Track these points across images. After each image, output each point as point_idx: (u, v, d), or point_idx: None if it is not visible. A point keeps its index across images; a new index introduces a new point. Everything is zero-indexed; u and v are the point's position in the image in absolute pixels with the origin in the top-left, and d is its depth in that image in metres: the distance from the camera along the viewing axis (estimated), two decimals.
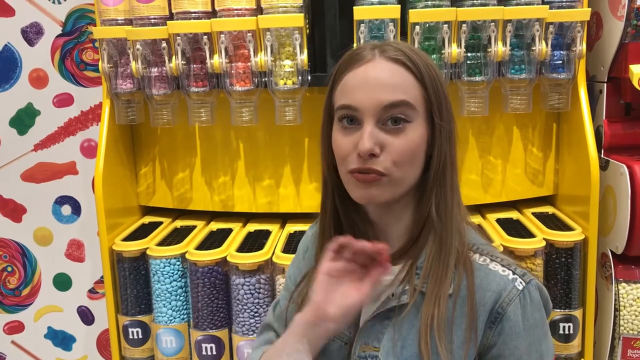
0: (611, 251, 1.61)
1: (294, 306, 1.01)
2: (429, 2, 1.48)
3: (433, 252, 0.90)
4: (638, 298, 1.56)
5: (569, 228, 1.60)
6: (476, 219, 1.70)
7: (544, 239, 1.54)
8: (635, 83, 1.52)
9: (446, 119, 0.89)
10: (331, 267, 0.88)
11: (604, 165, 1.63)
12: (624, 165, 1.54)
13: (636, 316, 1.56)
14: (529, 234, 1.57)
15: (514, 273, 0.89)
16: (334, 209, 0.96)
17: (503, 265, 0.90)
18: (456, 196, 0.92)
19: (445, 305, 0.86)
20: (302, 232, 1.70)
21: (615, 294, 1.58)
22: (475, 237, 0.95)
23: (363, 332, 0.92)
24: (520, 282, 0.88)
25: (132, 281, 1.67)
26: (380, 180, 0.86)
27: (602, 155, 1.65)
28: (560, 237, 1.55)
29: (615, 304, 1.58)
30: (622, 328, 1.57)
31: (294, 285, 1.06)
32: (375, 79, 0.87)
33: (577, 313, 1.56)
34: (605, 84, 1.65)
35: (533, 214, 1.73)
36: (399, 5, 1.46)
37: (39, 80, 2.05)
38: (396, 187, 0.88)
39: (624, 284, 1.58)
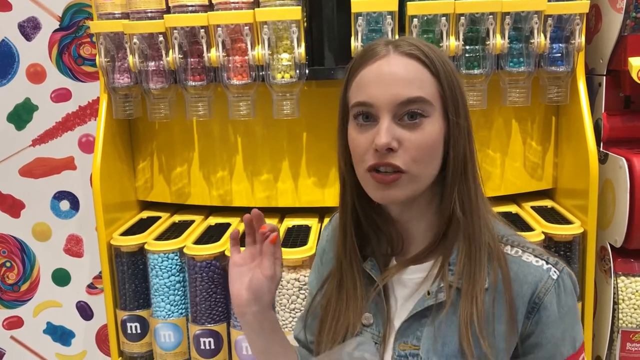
0: (610, 245, 1.60)
1: (317, 310, 1.01)
2: None
3: (464, 248, 0.90)
4: (637, 291, 1.56)
5: (568, 222, 1.59)
6: None
7: (542, 232, 1.54)
8: (634, 76, 1.51)
9: (462, 114, 0.88)
10: (235, 258, 0.96)
11: (603, 159, 1.62)
12: (623, 159, 1.53)
13: (635, 309, 1.56)
14: (528, 228, 1.56)
15: (547, 262, 0.89)
16: (353, 208, 0.95)
17: (535, 256, 0.90)
18: (479, 190, 0.92)
19: (483, 300, 0.87)
20: (300, 227, 1.70)
21: (614, 288, 1.57)
22: (502, 229, 0.95)
23: (401, 331, 0.92)
24: (555, 272, 0.89)
25: (130, 276, 1.67)
26: (400, 179, 0.85)
27: (601, 149, 1.65)
28: (559, 231, 1.55)
29: (614, 298, 1.58)
30: (621, 321, 1.57)
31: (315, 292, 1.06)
32: (390, 74, 0.86)
33: None
34: (604, 77, 1.65)
35: (532, 207, 1.72)
36: None
37: (36, 75, 2.05)
38: (415, 184, 0.87)
39: (622, 278, 1.57)
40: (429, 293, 0.90)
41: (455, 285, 0.89)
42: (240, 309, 0.94)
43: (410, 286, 0.93)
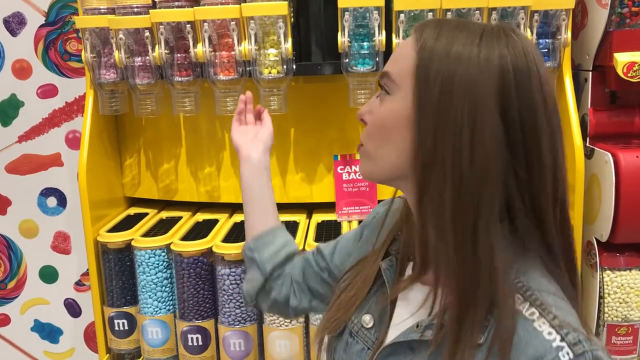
0: (596, 239, 1.61)
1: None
2: None
3: (455, 286, 0.74)
4: (622, 285, 1.57)
5: None
6: None
7: None
8: (619, 71, 1.52)
9: (434, 90, 0.73)
10: (236, 123, 1.30)
11: (589, 154, 1.63)
12: (609, 154, 1.54)
13: (620, 303, 1.57)
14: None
15: (562, 339, 0.69)
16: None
17: (552, 326, 0.70)
18: (485, 214, 0.71)
19: (471, 357, 0.71)
20: (288, 223, 1.70)
21: (600, 282, 1.58)
22: (537, 280, 0.75)
23: (381, 357, 0.83)
24: (567, 353, 0.68)
25: (117, 272, 1.66)
26: (360, 150, 0.85)
27: (587, 144, 1.65)
28: None
29: (600, 292, 1.59)
30: (606, 315, 1.58)
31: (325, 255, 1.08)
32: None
33: None
34: (590, 73, 1.65)
35: None
36: None
37: (22, 71, 2.03)
38: (371, 162, 0.83)
39: (608, 272, 1.58)
40: (417, 326, 0.79)
41: (461, 336, 0.73)
42: (248, 152, 1.22)
43: (414, 303, 0.83)
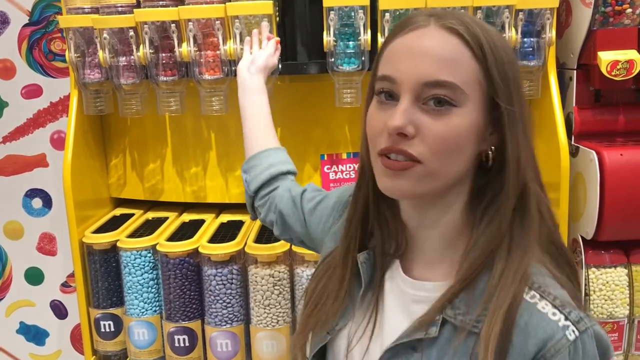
0: (581, 237, 1.62)
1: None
2: None
3: (492, 280, 0.74)
4: (607, 283, 1.58)
5: None
6: None
7: None
8: (603, 70, 1.53)
9: (517, 104, 0.75)
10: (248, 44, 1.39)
11: (574, 152, 1.64)
12: (594, 152, 1.55)
13: (605, 300, 1.58)
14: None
15: (566, 318, 0.73)
16: (366, 199, 0.86)
17: (555, 306, 0.74)
18: (543, 204, 0.77)
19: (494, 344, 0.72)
20: None
21: (585, 279, 1.59)
22: (531, 261, 0.79)
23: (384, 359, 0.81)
24: (573, 331, 0.72)
25: (103, 274, 1.65)
26: (412, 169, 0.74)
27: (573, 142, 1.66)
28: None
29: (585, 289, 1.60)
30: (592, 312, 1.59)
31: (304, 207, 1.09)
32: (421, 48, 0.73)
33: None
34: (575, 71, 1.66)
35: None
36: None
37: (6, 71, 2.01)
38: (432, 180, 0.75)
39: (593, 269, 1.59)
40: (420, 324, 0.78)
41: (454, 323, 0.76)
42: (240, 73, 1.31)
43: (407, 301, 0.82)
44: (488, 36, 0.75)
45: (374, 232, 0.88)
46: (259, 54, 1.35)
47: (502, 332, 0.72)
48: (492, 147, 0.77)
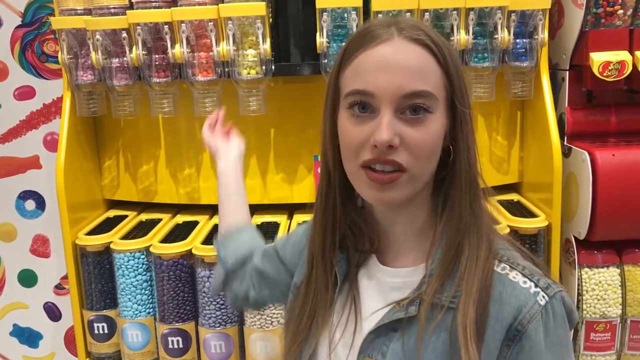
0: (574, 237, 1.63)
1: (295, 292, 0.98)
2: None
3: (457, 256, 0.81)
4: (600, 282, 1.59)
5: (533, 215, 1.61)
6: None
7: (508, 225, 1.56)
8: (595, 71, 1.54)
9: (467, 105, 0.82)
10: (208, 123, 1.34)
11: (566, 153, 1.65)
12: (586, 152, 1.55)
13: (598, 300, 1.59)
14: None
15: (536, 285, 0.80)
16: (337, 207, 0.88)
17: (524, 275, 0.81)
18: (479, 189, 0.84)
19: (473, 316, 0.78)
20: (269, 224, 1.70)
21: (578, 279, 1.60)
22: (495, 239, 0.86)
23: (366, 344, 0.85)
24: (543, 297, 0.79)
25: (96, 276, 1.64)
26: (399, 180, 0.78)
27: (565, 143, 1.67)
28: (524, 224, 1.57)
29: (578, 289, 1.60)
30: (585, 312, 1.60)
31: (278, 248, 1.09)
32: (395, 62, 0.77)
33: None
34: (567, 72, 1.67)
35: (498, 201, 1.74)
36: None
37: None
38: (415, 183, 0.80)
39: (586, 269, 1.60)
40: (399, 304, 0.83)
41: (430, 300, 0.80)
42: (226, 150, 1.28)
43: (385, 289, 0.87)
44: (444, 42, 0.81)
45: (346, 233, 0.91)
46: (236, 142, 1.32)
47: (479, 304, 0.78)
48: (451, 144, 0.83)
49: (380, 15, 1.46)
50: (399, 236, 0.88)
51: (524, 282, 0.80)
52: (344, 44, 0.85)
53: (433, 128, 0.79)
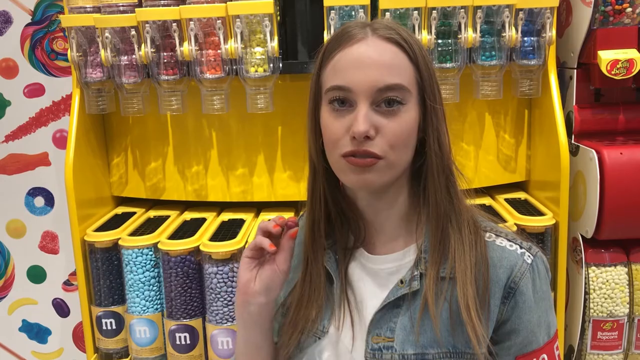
0: (582, 236, 1.63)
1: (284, 310, 0.99)
2: None
3: (443, 235, 0.88)
4: (607, 281, 1.59)
5: (540, 213, 1.61)
6: None
7: (515, 224, 1.56)
8: (603, 69, 1.53)
9: (439, 100, 0.88)
10: (247, 251, 0.95)
11: (574, 151, 1.64)
12: (593, 151, 1.55)
13: (605, 299, 1.59)
14: (501, 220, 1.58)
15: (520, 247, 0.89)
16: (324, 196, 0.93)
17: (509, 240, 0.90)
18: (455, 175, 0.91)
19: (473, 285, 0.86)
20: None
21: (585, 278, 1.60)
22: (475, 214, 0.95)
23: (374, 323, 0.90)
24: (529, 256, 0.89)
25: (104, 272, 1.66)
26: (377, 164, 0.84)
27: (573, 141, 1.67)
28: (531, 222, 1.56)
29: (585, 288, 1.60)
30: (592, 311, 1.60)
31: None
32: (370, 59, 0.84)
33: None
34: (575, 70, 1.66)
35: (506, 199, 1.74)
36: None
37: (8, 70, 2.02)
38: (392, 170, 0.86)
39: (593, 268, 1.60)
40: (402, 282, 0.89)
41: (433, 273, 0.87)
42: (247, 297, 0.94)
43: (382, 276, 0.92)
44: (415, 41, 0.88)
45: (334, 230, 0.96)
46: (279, 279, 0.95)
47: (479, 276, 0.86)
48: (426, 135, 0.89)
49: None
50: (385, 223, 0.93)
51: (510, 246, 0.89)
52: (323, 44, 0.91)
53: (406, 119, 0.85)
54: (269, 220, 0.96)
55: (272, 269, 0.94)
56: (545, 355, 0.90)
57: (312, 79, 0.91)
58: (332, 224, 0.96)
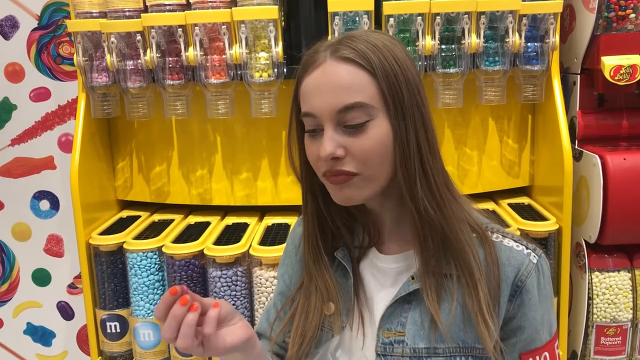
0: (585, 241, 1.63)
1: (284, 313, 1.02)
2: None
3: (440, 239, 0.89)
4: (610, 286, 1.59)
5: (543, 218, 1.62)
6: None
7: (518, 229, 1.56)
8: (607, 75, 1.54)
9: (409, 113, 0.86)
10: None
11: (577, 156, 1.65)
12: (597, 156, 1.55)
13: (608, 304, 1.59)
14: (504, 225, 1.58)
15: (526, 248, 0.93)
16: (317, 210, 0.96)
17: (515, 241, 0.93)
18: (445, 182, 0.91)
19: (483, 286, 0.88)
20: (280, 225, 1.71)
21: (588, 283, 1.60)
22: (481, 217, 0.97)
23: (385, 318, 0.93)
24: (534, 256, 0.92)
25: (109, 275, 1.67)
26: (352, 180, 0.86)
27: (576, 146, 1.67)
28: (535, 227, 1.57)
29: (588, 293, 1.60)
30: (595, 316, 1.60)
31: (286, 287, 1.06)
32: (326, 84, 0.85)
33: None
34: (578, 76, 1.67)
35: (509, 204, 1.74)
36: None
37: (15, 74, 2.04)
38: (371, 184, 0.87)
39: (597, 273, 1.60)
40: (412, 278, 0.92)
41: (442, 271, 0.90)
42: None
43: (391, 274, 0.95)
44: (380, 57, 0.85)
45: (341, 232, 0.98)
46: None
47: (491, 276, 0.89)
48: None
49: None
50: (392, 223, 0.96)
51: (517, 246, 0.92)
52: (297, 69, 0.92)
53: (375, 133, 0.85)
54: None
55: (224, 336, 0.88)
56: (547, 353, 0.93)
57: (292, 103, 0.93)
58: (339, 229, 0.98)
